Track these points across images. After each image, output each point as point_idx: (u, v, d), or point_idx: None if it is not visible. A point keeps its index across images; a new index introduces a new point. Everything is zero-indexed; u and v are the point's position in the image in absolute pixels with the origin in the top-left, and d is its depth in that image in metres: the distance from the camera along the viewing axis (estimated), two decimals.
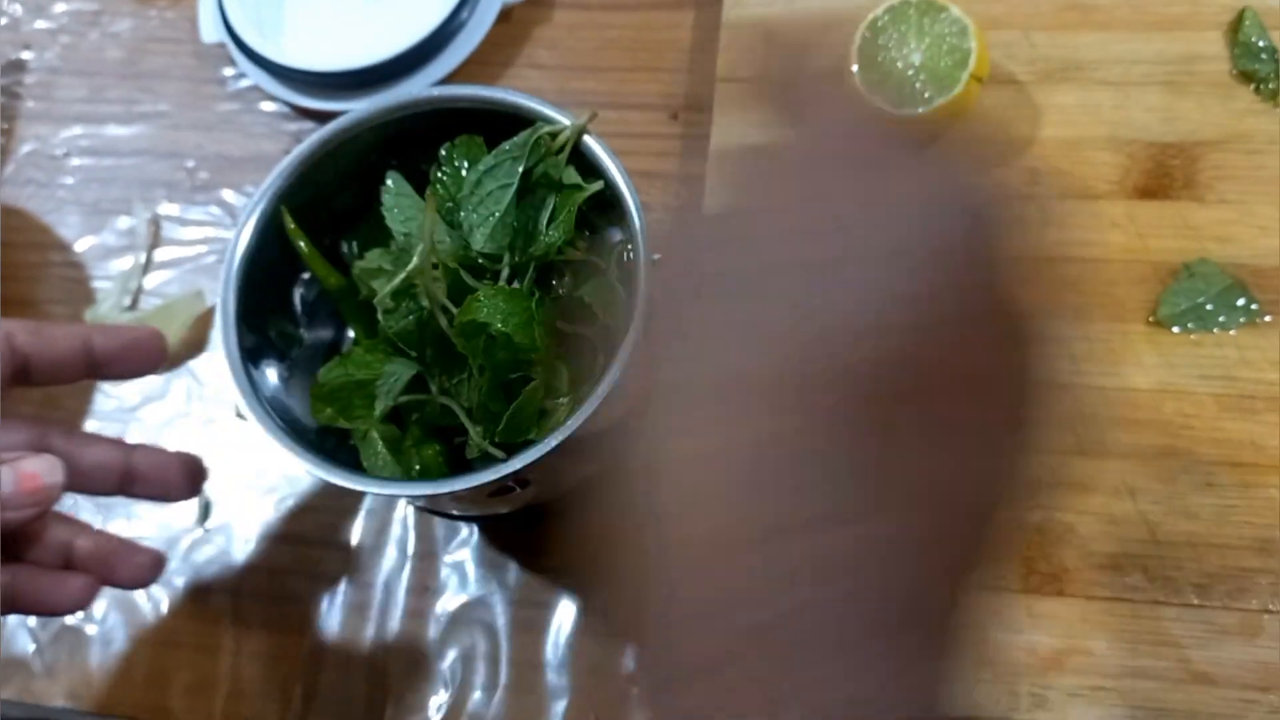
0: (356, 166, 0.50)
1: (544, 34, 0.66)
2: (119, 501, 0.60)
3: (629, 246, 0.46)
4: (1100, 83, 0.56)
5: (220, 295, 0.46)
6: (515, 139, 0.47)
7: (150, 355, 0.49)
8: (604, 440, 0.52)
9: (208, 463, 0.60)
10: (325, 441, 0.48)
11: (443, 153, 0.49)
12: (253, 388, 0.46)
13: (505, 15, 0.66)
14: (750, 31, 0.61)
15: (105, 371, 0.49)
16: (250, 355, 0.47)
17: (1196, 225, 0.54)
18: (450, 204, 0.48)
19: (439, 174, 0.49)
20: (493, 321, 0.45)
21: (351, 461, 0.49)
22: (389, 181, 0.48)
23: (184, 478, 0.50)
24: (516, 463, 0.42)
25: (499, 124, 0.49)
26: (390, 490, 0.45)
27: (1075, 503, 0.50)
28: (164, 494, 0.50)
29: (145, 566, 0.49)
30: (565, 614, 0.54)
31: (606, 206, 0.48)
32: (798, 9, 0.60)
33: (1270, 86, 0.55)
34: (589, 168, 0.48)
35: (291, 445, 0.44)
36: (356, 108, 0.50)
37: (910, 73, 0.54)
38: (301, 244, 0.49)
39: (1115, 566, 0.49)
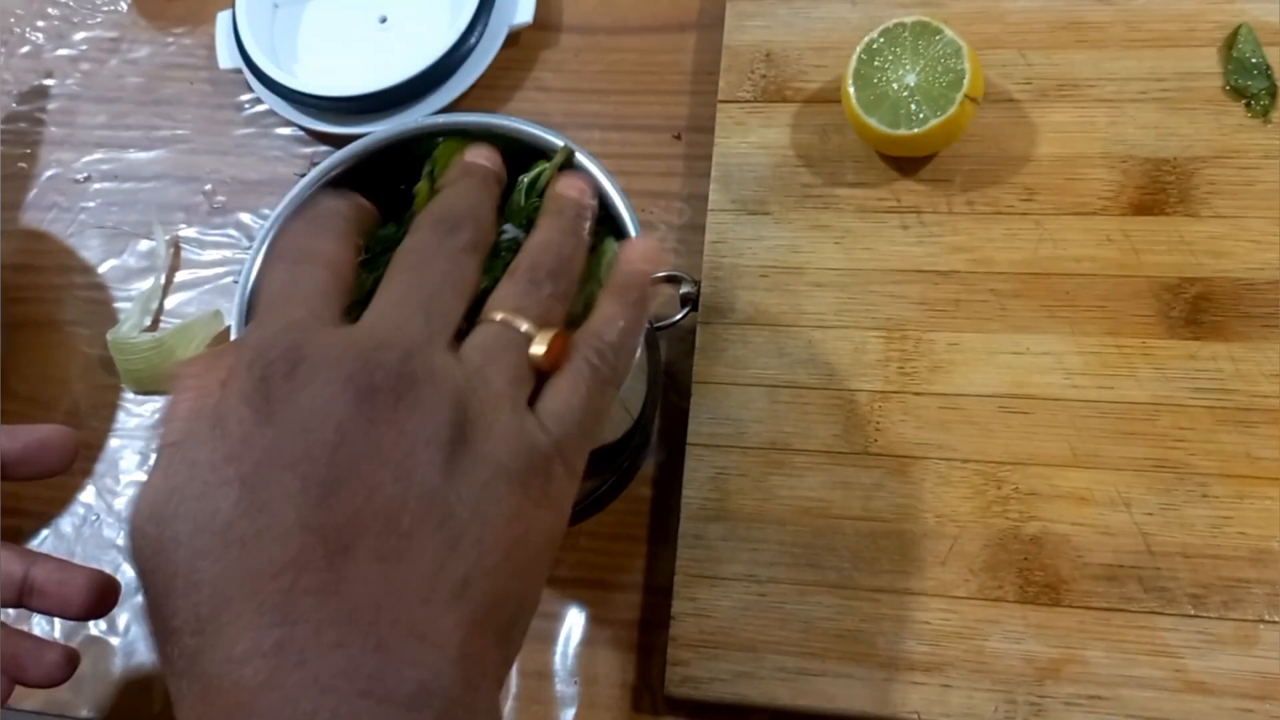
0: (366, 190, 0.51)
1: (550, 58, 0.68)
2: None
3: None
4: (1095, 100, 0.57)
5: (234, 319, 0.48)
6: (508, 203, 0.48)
7: (59, 454, 0.48)
8: (607, 454, 0.53)
9: None
10: None
11: (428, 168, 0.50)
12: None
13: (513, 39, 0.67)
14: (750, 54, 0.62)
15: (13, 473, 0.48)
16: None
17: (1191, 240, 0.54)
18: None
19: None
20: None
21: None
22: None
23: (89, 596, 0.47)
24: None
25: (500, 146, 0.50)
26: None
27: (1070, 514, 0.51)
28: (64, 612, 0.47)
29: (57, 665, 0.47)
30: (574, 624, 0.56)
31: (604, 221, 0.49)
32: (797, 31, 0.62)
33: (1262, 103, 0.56)
34: None
35: None
36: (369, 132, 0.51)
37: (905, 94, 0.55)
38: None
39: (1111, 577, 0.50)
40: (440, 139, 0.50)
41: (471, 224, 0.39)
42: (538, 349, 0.35)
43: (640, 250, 0.41)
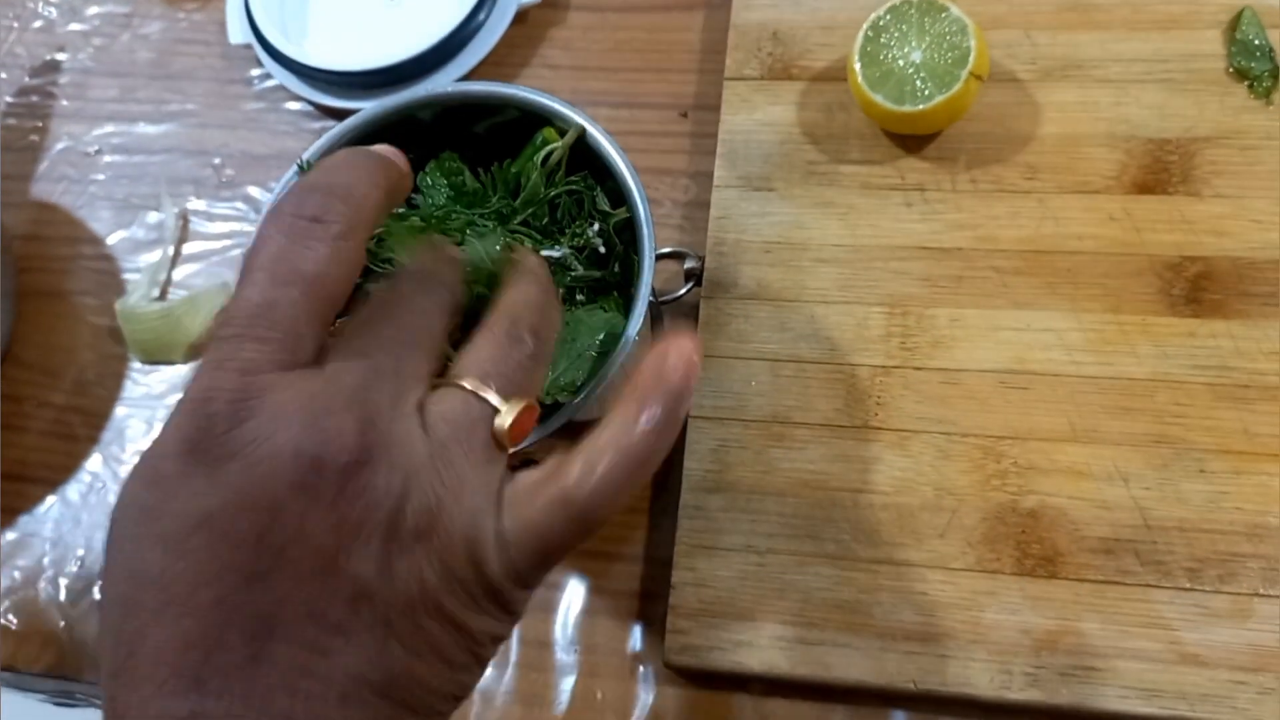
0: None
1: (558, 35, 0.68)
2: None
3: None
4: (1099, 81, 0.58)
5: None
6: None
7: None
8: None
9: None
10: None
11: (423, 179, 0.49)
12: None
13: (521, 17, 0.68)
14: (758, 32, 0.62)
15: None
16: None
17: (1192, 220, 0.55)
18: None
19: (422, 201, 0.50)
20: None
21: None
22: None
23: None
24: (523, 442, 0.44)
25: (510, 118, 0.51)
26: None
27: (1068, 488, 0.51)
28: None
29: None
30: (574, 594, 0.56)
31: (614, 198, 0.49)
32: (804, 9, 0.62)
33: (1265, 85, 0.56)
34: (594, 161, 0.49)
35: None
36: (374, 104, 0.52)
37: (911, 70, 0.55)
38: None
39: (1108, 550, 0.50)
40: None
41: (449, 285, 0.36)
42: (502, 422, 0.32)
43: (678, 353, 0.32)
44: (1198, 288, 0.53)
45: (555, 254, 0.46)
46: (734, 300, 0.58)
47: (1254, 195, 0.55)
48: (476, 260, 0.45)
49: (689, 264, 0.60)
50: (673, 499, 0.55)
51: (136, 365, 0.66)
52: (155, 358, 0.65)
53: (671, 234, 0.62)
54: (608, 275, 0.49)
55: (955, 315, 0.55)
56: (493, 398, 0.32)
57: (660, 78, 0.66)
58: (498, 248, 0.44)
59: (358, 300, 0.47)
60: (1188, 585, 0.49)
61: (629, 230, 0.49)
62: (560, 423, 0.44)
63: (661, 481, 0.57)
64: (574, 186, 0.49)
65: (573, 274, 0.47)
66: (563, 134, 0.50)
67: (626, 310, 0.47)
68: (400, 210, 0.49)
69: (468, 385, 0.32)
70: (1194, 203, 0.55)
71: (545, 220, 0.49)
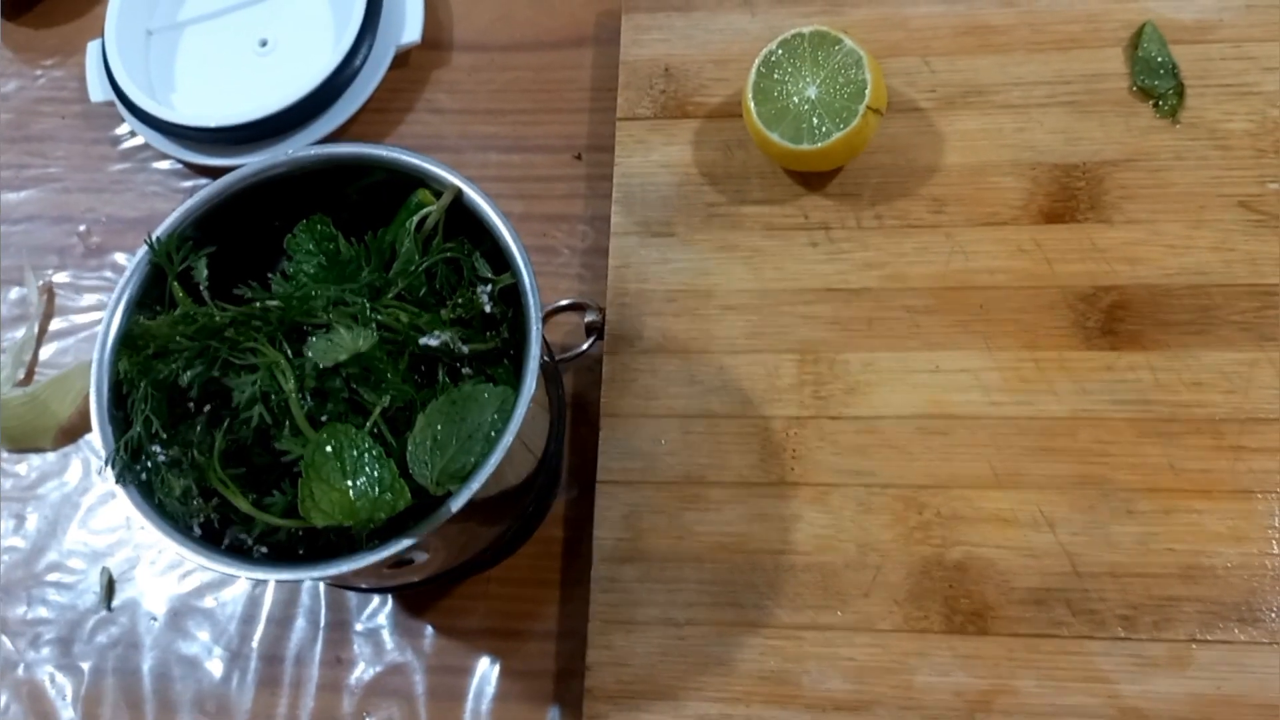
0: (236, 228, 0.48)
1: (443, 77, 0.65)
2: (19, 584, 0.58)
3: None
4: (1002, 106, 0.56)
5: (94, 381, 0.44)
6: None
7: None
8: (512, 497, 0.50)
9: (109, 539, 0.58)
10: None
11: (292, 242, 0.47)
12: (132, 471, 0.44)
13: (401, 59, 0.64)
14: (649, 69, 0.59)
15: None
16: (130, 437, 0.45)
17: (1104, 247, 0.53)
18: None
19: (291, 267, 0.46)
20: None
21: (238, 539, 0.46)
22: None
23: None
24: (409, 538, 0.40)
25: (381, 179, 0.47)
26: (276, 575, 0.43)
27: (994, 537, 0.49)
28: None
29: None
30: (486, 678, 0.53)
31: (497, 258, 0.46)
32: (695, 44, 0.59)
33: (1170, 103, 0.54)
34: (474, 221, 0.46)
35: (168, 530, 0.42)
36: (248, 163, 0.48)
37: (806, 107, 0.52)
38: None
39: (1038, 601, 0.48)
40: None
41: None
42: None
43: None
44: (1113, 318, 0.51)
45: (434, 343, 0.43)
46: (639, 354, 0.54)
47: (1166, 218, 0.53)
48: (349, 349, 0.41)
49: (590, 317, 0.57)
50: (585, 569, 0.52)
51: (4, 455, 0.61)
52: (23, 445, 0.60)
53: (571, 284, 0.59)
54: (497, 343, 0.46)
55: (868, 359, 0.52)
56: None
57: (552, 119, 0.63)
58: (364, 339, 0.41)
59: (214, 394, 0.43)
60: (1123, 634, 0.47)
61: (517, 290, 0.46)
62: (449, 515, 0.41)
63: (572, 550, 0.54)
64: (451, 253, 0.45)
65: (458, 351, 0.44)
66: (438, 195, 0.46)
67: (518, 377, 0.44)
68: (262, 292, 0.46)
69: None
70: (1105, 230, 0.53)
71: (423, 291, 0.45)
